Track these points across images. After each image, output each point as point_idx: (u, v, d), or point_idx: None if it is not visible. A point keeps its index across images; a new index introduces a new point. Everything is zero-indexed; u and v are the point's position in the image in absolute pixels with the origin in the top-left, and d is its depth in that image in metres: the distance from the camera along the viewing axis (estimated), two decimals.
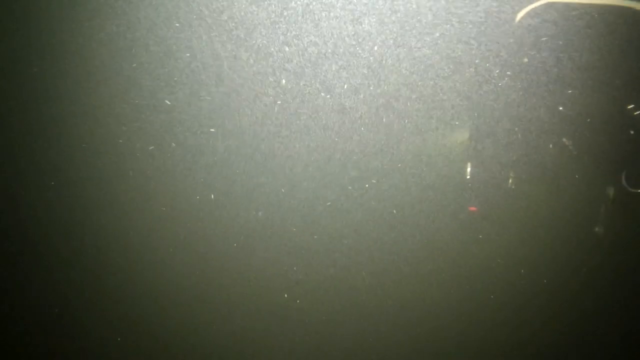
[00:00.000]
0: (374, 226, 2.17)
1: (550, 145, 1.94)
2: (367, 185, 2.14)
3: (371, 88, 2.09)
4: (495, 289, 2.11)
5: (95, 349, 2.35)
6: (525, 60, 1.90)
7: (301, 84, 2.12)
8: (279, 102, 2.15)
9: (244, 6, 2.11)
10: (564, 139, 1.93)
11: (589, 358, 2.08)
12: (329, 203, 2.17)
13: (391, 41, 2.04)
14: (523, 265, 2.08)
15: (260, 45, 2.11)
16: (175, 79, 2.20)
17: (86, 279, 2.34)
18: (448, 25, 1.96)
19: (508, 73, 1.92)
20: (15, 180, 2.33)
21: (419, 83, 2.05)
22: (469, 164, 2.00)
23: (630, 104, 1.81)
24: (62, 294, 2.35)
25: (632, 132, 1.83)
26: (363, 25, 2.05)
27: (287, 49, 2.09)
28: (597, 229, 1.92)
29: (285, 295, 2.24)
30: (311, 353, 2.27)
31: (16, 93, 2.32)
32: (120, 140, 2.27)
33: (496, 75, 1.94)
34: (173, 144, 2.23)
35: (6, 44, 2.31)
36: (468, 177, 2.00)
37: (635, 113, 1.81)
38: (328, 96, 2.12)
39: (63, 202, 2.34)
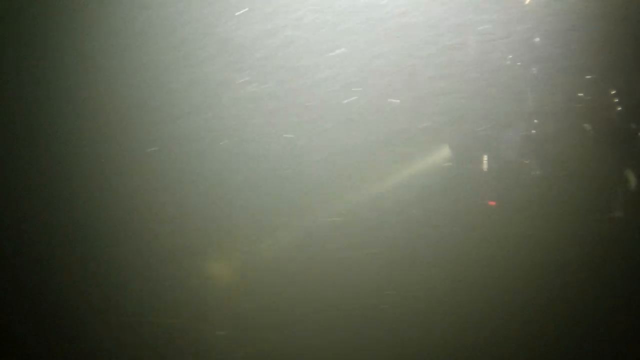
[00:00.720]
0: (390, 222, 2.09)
1: (569, 133, 1.86)
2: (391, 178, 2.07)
3: (374, 78, 2.02)
4: (519, 284, 1.99)
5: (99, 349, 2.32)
6: (537, 39, 1.83)
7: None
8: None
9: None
10: (585, 125, 1.85)
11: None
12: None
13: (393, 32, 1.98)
14: (544, 258, 1.97)
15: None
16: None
17: (91, 281, 2.32)
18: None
19: (521, 57, 1.85)
20: (15, 180, 2.35)
21: (426, 73, 1.97)
22: (485, 156, 1.92)
23: None
24: (63, 294, 2.34)
25: None
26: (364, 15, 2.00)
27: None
28: (614, 216, 1.81)
29: (291, 291, 2.18)
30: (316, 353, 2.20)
31: (17, 94, 2.35)
32: (128, 143, 2.28)
33: (510, 59, 1.87)
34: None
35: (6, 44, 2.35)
36: (485, 169, 1.92)
37: None
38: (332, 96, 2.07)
39: (64, 202, 2.34)
